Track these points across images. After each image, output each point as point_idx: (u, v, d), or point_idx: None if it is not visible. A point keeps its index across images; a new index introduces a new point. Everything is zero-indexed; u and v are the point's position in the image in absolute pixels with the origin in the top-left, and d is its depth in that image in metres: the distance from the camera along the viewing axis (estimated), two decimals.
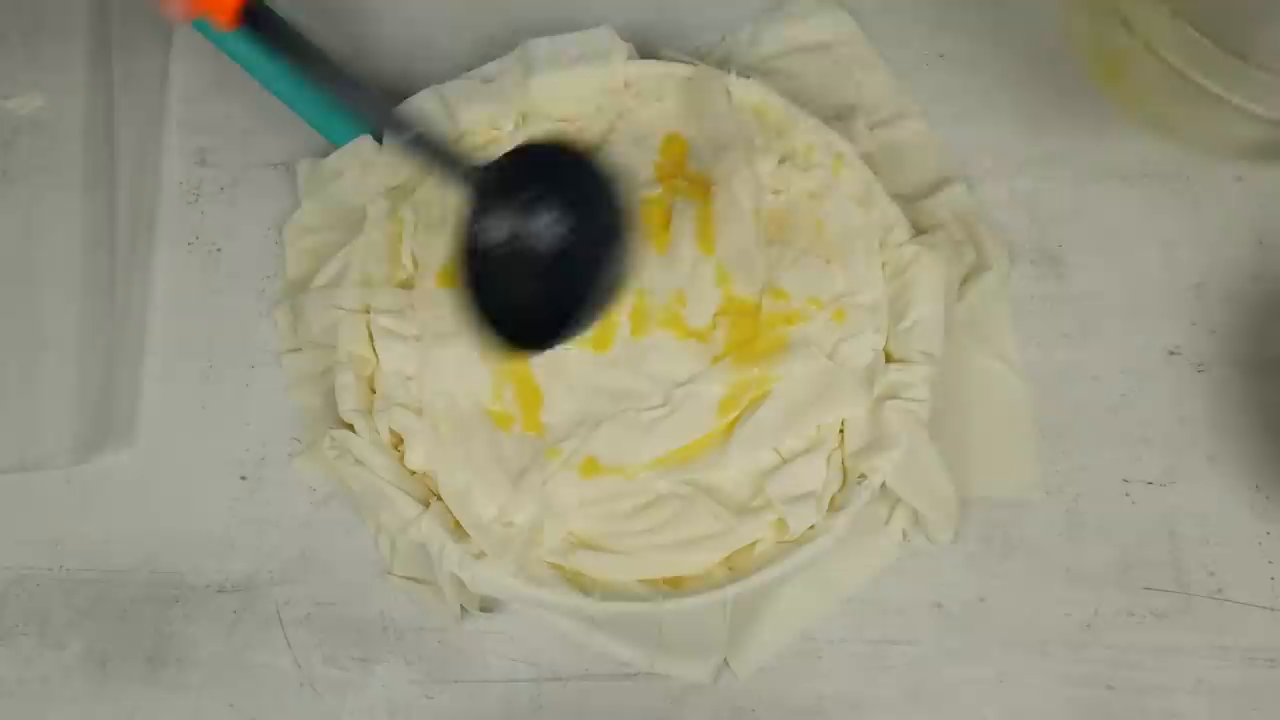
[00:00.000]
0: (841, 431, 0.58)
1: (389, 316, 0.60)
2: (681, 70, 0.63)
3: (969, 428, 0.61)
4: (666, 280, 0.60)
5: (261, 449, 0.63)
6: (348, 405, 0.58)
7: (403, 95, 0.62)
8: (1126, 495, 0.60)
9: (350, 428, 0.58)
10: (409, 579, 0.59)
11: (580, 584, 0.56)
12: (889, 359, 0.59)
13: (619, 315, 0.59)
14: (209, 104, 0.70)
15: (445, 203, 0.62)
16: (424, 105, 0.62)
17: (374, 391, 0.60)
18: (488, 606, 0.59)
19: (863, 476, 0.56)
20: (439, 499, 0.57)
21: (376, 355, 0.60)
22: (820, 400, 0.58)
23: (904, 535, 0.60)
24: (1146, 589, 0.59)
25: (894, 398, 0.57)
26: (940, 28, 0.70)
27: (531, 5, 0.71)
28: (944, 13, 0.70)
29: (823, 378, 0.58)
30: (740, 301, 0.60)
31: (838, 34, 0.69)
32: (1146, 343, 0.63)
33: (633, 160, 0.62)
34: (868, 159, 0.62)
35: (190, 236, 0.67)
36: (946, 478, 0.57)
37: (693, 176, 0.62)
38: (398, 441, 0.59)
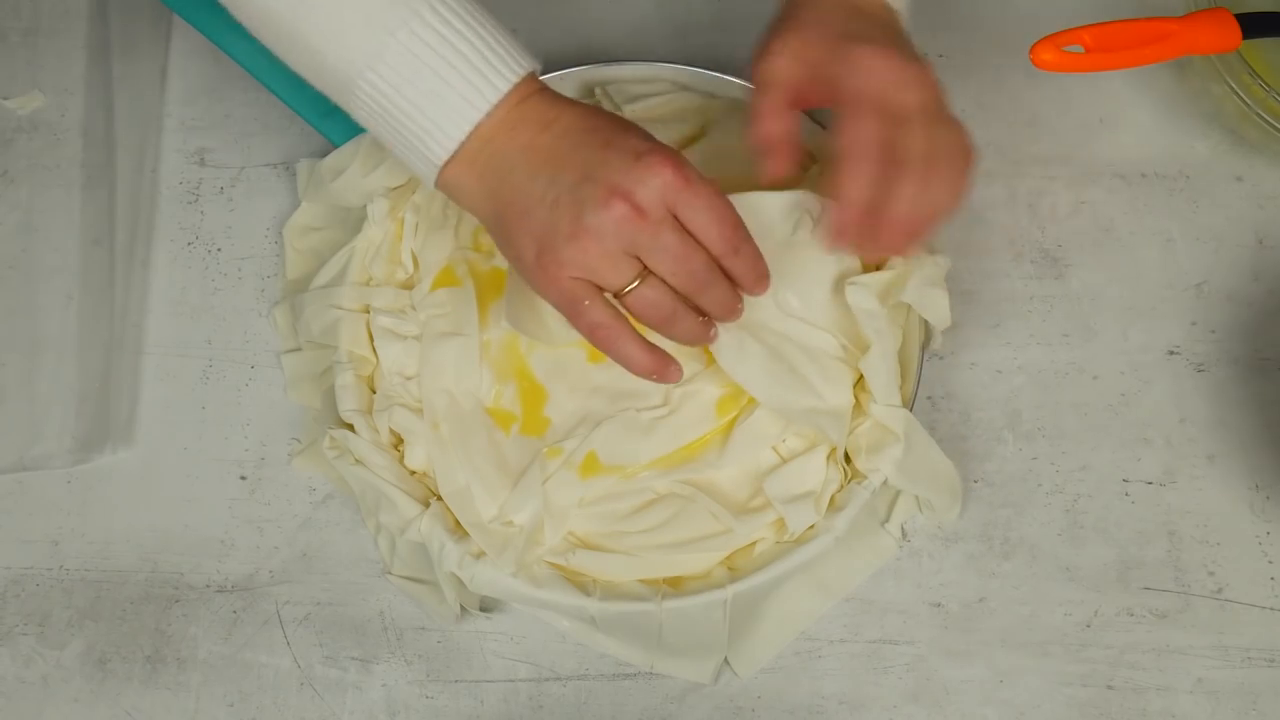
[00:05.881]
0: None
1: (389, 316, 0.60)
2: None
3: None
4: None
5: (261, 449, 0.63)
6: (348, 405, 0.58)
7: None
8: (1126, 495, 0.60)
9: (350, 428, 0.58)
10: (409, 579, 0.59)
11: (580, 584, 0.56)
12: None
13: None
14: (208, 104, 0.70)
15: (445, 203, 0.62)
16: None
17: (374, 391, 0.60)
18: (488, 606, 0.59)
19: (863, 476, 0.56)
20: (439, 499, 0.57)
21: (376, 355, 0.60)
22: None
23: (903, 534, 0.60)
24: (1146, 589, 0.59)
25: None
26: (940, 28, 0.70)
27: (531, 6, 0.71)
28: (944, 13, 0.70)
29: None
30: None
31: None
32: (1146, 343, 0.63)
33: None
34: None
35: (190, 236, 0.67)
36: (944, 457, 0.57)
37: None
38: (398, 441, 0.59)
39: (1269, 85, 0.61)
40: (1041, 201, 0.66)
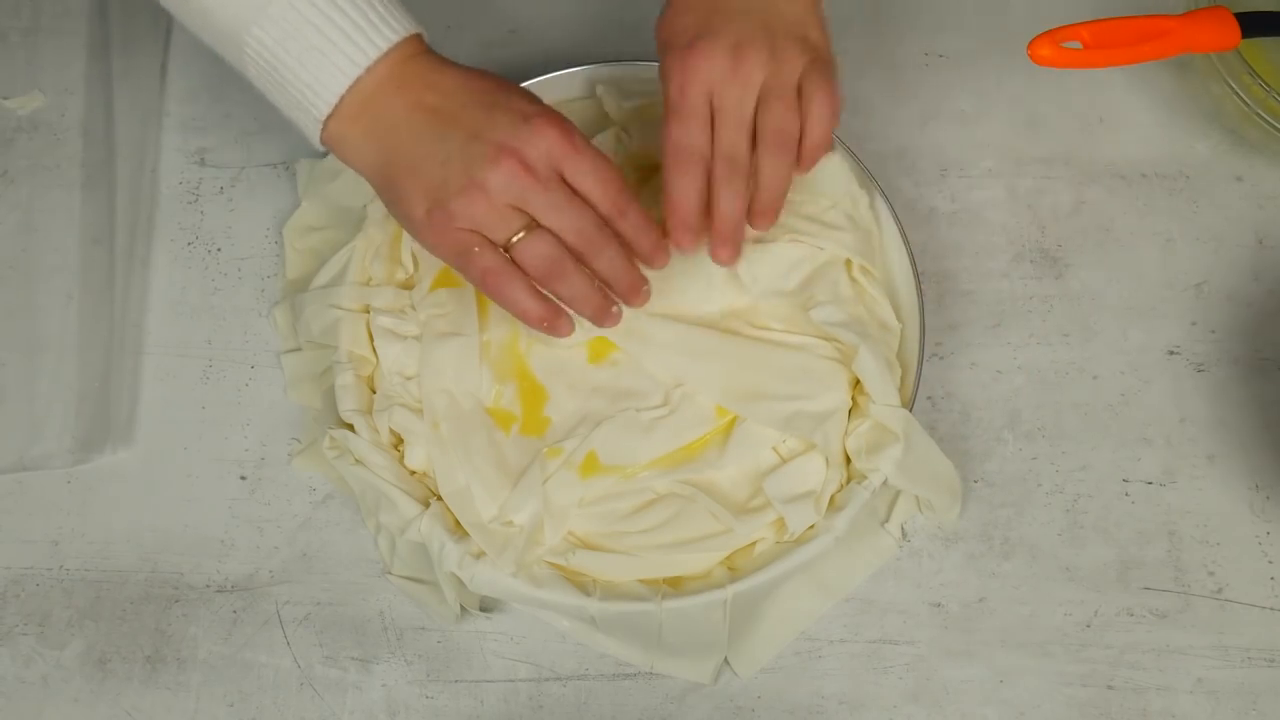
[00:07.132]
0: None
1: (389, 316, 0.60)
2: None
3: None
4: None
5: (261, 449, 0.63)
6: (348, 405, 0.58)
7: None
8: (1126, 495, 0.60)
9: (350, 428, 0.58)
10: (409, 579, 0.59)
11: (580, 584, 0.56)
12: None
13: None
14: (208, 104, 0.70)
15: None
16: None
17: (374, 391, 0.60)
18: (488, 606, 0.59)
19: (863, 476, 0.56)
20: (439, 499, 0.57)
21: (376, 355, 0.60)
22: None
23: (903, 534, 0.60)
24: (1146, 589, 0.59)
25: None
26: (940, 28, 0.70)
27: (531, 6, 0.71)
28: (944, 13, 0.70)
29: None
30: None
31: None
32: (1146, 343, 0.63)
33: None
34: None
35: (190, 236, 0.67)
36: (944, 457, 0.57)
37: None
38: (398, 441, 0.59)
39: (1269, 85, 0.61)
40: (1041, 201, 0.66)
